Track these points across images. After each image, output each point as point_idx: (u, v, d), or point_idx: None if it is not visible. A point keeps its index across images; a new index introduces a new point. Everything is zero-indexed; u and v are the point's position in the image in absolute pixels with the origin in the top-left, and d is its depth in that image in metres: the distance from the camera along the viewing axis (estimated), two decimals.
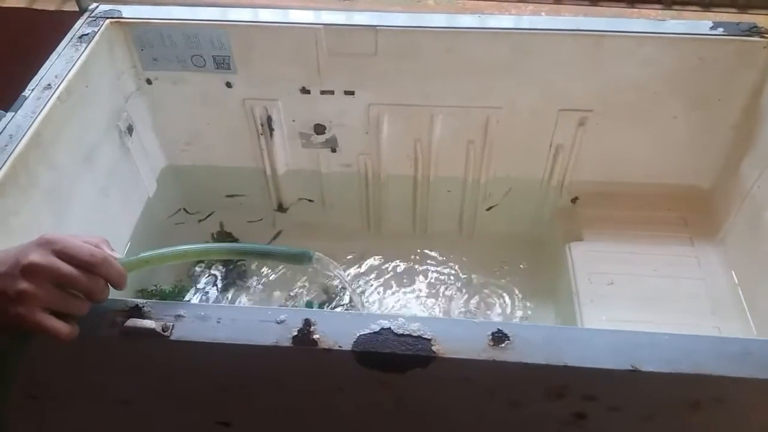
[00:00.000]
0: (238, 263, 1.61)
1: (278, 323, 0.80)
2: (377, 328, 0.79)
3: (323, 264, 0.90)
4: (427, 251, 1.68)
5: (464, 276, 1.64)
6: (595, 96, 1.37)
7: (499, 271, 1.64)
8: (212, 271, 1.61)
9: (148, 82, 1.42)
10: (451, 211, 1.63)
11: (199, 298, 1.56)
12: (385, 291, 1.62)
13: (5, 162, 1.02)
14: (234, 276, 1.60)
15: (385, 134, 1.45)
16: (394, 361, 0.78)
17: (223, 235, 1.66)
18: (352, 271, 1.67)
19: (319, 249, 1.68)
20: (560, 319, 1.47)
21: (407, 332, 0.79)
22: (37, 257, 0.70)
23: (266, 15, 1.34)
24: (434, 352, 0.77)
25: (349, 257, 1.68)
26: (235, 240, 1.66)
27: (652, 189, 1.54)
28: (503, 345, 0.78)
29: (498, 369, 0.78)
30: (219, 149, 1.55)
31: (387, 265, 1.67)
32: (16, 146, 1.04)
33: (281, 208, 1.57)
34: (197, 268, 1.60)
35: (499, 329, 0.79)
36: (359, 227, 1.69)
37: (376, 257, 1.68)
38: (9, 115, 1.09)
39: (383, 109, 1.42)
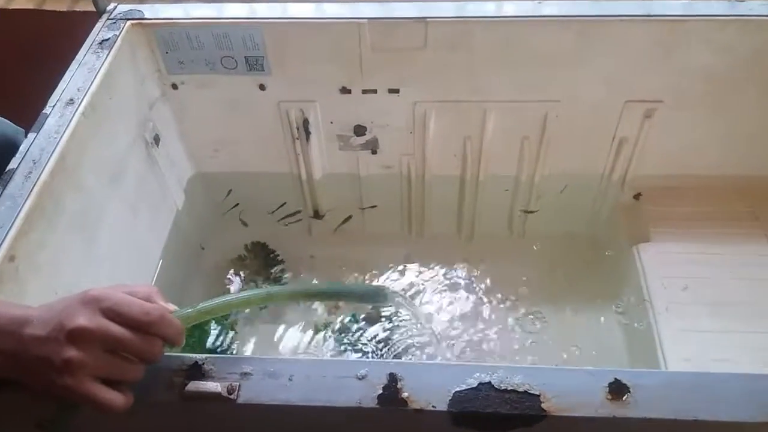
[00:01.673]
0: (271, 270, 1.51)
1: (359, 379, 0.70)
2: (474, 383, 0.69)
3: (397, 301, 0.79)
4: (473, 255, 1.57)
5: (516, 282, 1.52)
6: (665, 86, 1.25)
7: (554, 277, 1.52)
8: (232, 277, 1.50)
9: (174, 87, 1.30)
10: (500, 211, 1.52)
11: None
12: (432, 300, 1.51)
13: (31, 191, 0.91)
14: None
15: (432, 133, 1.33)
16: (497, 422, 0.68)
17: (258, 247, 1.55)
18: (395, 277, 1.56)
19: (359, 256, 1.59)
20: (629, 330, 1.35)
21: (510, 387, 0.68)
22: (84, 320, 0.60)
23: (301, 10, 1.21)
24: (544, 411, 0.67)
25: (390, 264, 1.57)
26: (271, 251, 1.55)
27: (719, 181, 1.42)
28: (624, 398, 0.67)
29: (616, 426, 0.68)
30: (250, 155, 1.43)
31: (431, 272, 1.56)
32: (41, 173, 0.93)
33: (317, 215, 1.47)
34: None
35: (616, 379, 0.68)
36: (400, 232, 1.58)
37: (419, 264, 1.57)
38: (31, 136, 0.98)
39: (430, 106, 1.30)
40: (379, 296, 0.71)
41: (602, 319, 1.43)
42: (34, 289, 0.82)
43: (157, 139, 1.30)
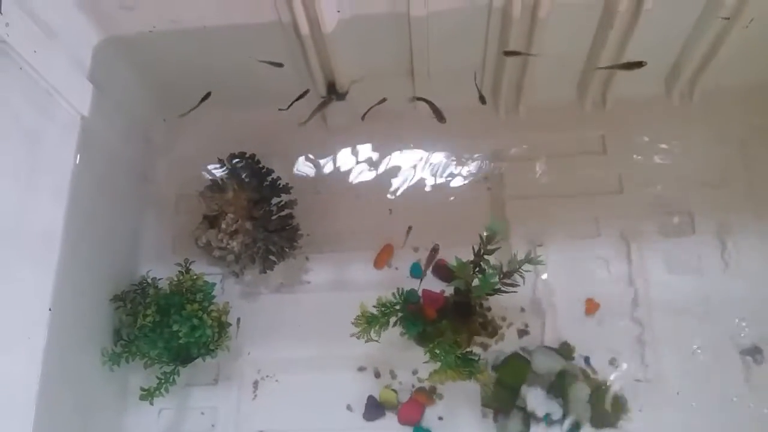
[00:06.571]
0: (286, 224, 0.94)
1: None
2: None
3: None
4: (612, 137, 1.00)
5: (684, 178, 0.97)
6: None
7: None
8: (232, 243, 0.90)
9: None
10: (662, 57, 0.96)
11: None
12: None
13: None
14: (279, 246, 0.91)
15: None
16: None
17: (245, 163, 0.94)
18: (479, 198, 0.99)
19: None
20: None
21: None
22: None
23: None
24: None
25: (468, 172, 1.01)
26: (262, 169, 0.95)
27: None
28: None
29: None
30: None
31: (536, 185, 0.99)
32: None
33: (335, 92, 0.97)
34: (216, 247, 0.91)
35: None
36: (480, 112, 1.00)
37: (513, 162, 1.00)
38: None
39: None
40: None
41: None
42: None
43: None
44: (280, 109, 0.93)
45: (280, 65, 0.91)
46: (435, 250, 0.85)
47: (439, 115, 0.90)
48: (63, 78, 0.81)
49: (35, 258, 0.73)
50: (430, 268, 0.93)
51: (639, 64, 0.90)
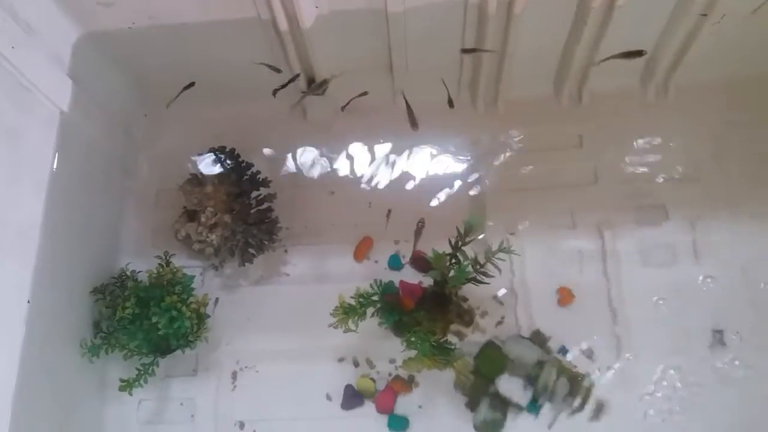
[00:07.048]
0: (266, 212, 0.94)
1: None
2: None
3: None
4: (588, 131, 1.00)
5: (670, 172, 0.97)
6: None
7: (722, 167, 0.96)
8: (211, 236, 0.89)
9: None
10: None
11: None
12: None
13: None
14: (258, 239, 0.91)
15: None
16: None
17: (225, 157, 0.93)
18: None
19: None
20: None
21: None
22: None
23: None
24: None
25: (447, 164, 1.01)
26: (237, 159, 0.94)
27: None
28: None
29: None
30: None
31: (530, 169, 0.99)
32: None
33: (314, 85, 0.97)
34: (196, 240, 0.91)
35: None
36: (459, 106, 1.00)
37: (496, 155, 1.00)
38: None
39: None
40: None
41: None
42: None
43: None
44: (274, 93, 0.92)
45: (278, 71, 0.92)
46: (421, 223, 0.86)
47: (413, 122, 0.91)
48: (42, 74, 0.80)
49: (14, 251, 0.72)
50: (415, 258, 0.94)
51: (639, 53, 0.90)
